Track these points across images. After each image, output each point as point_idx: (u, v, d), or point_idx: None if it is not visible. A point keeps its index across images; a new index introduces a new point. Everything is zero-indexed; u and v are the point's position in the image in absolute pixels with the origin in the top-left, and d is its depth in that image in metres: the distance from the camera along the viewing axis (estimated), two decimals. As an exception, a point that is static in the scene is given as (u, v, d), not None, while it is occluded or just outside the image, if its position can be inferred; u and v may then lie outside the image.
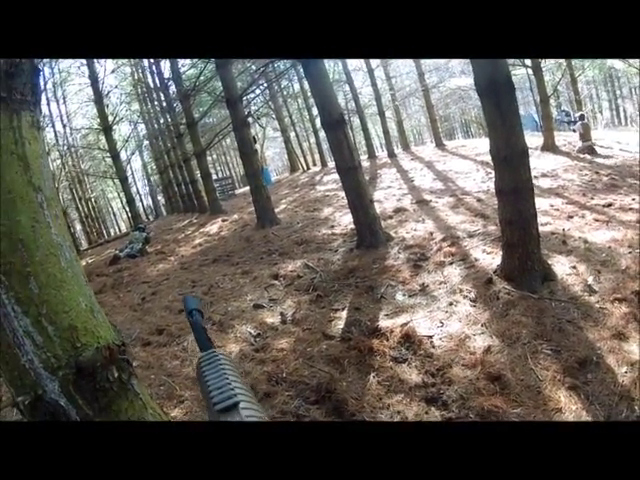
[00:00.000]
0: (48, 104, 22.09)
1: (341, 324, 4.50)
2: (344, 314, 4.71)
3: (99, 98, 15.01)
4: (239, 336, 4.57)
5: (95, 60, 15.08)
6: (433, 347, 3.81)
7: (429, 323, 4.21)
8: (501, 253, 5.03)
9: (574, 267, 4.85)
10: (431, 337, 3.94)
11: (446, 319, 4.24)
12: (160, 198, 35.98)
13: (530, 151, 13.53)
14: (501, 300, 4.37)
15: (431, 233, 6.75)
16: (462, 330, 3.99)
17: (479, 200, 8.87)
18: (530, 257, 4.56)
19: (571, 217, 6.82)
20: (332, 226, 8.83)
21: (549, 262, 4.87)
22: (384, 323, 4.27)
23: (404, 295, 4.94)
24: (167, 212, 30.57)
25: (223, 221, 13.17)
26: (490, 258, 5.33)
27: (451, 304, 4.49)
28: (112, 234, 33.64)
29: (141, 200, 39.61)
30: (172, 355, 4.38)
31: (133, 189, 35.45)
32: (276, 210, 11.26)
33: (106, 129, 14.68)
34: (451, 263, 5.46)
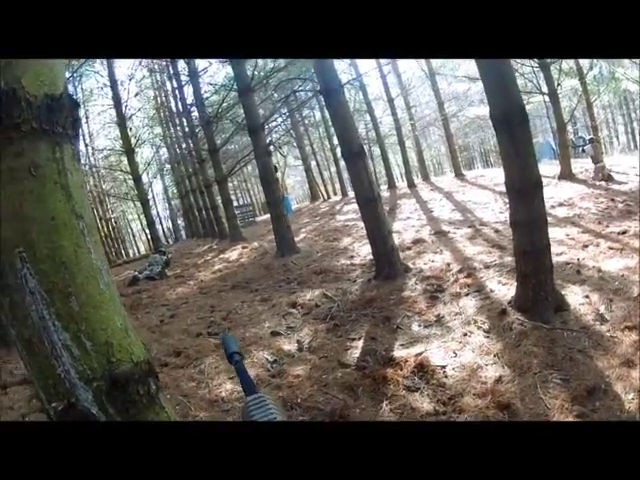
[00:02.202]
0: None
1: (357, 353, 4.61)
2: (360, 343, 4.82)
3: (122, 120, 15.33)
4: (256, 361, 4.67)
5: (119, 82, 15.52)
6: (446, 377, 3.91)
7: (443, 353, 4.31)
8: (516, 284, 5.14)
9: (587, 296, 4.91)
10: (444, 367, 4.04)
11: (459, 349, 4.34)
12: (180, 222, 36.51)
13: (547, 180, 13.62)
14: (514, 331, 4.46)
15: (448, 264, 6.86)
16: (475, 360, 4.08)
17: (496, 231, 8.96)
18: (543, 287, 4.65)
19: (586, 246, 6.88)
20: (351, 256, 8.97)
21: (563, 292, 4.95)
22: (399, 353, 4.39)
23: (420, 326, 5.05)
24: (187, 236, 30.98)
25: (243, 248, 13.36)
26: (505, 289, 5.42)
27: (465, 335, 4.59)
28: (131, 255, 34.07)
29: (161, 223, 39.96)
30: (189, 377, 4.50)
31: (153, 212, 35.98)
32: (296, 239, 11.43)
33: (128, 151, 14.97)
34: (467, 294, 5.56)
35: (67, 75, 18.29)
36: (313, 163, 29.32)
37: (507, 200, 12.05)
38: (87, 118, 24.27)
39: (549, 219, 5.20)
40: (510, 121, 4.48)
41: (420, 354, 4.21)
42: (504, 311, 4.80)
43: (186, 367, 4.75)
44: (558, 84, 13.74)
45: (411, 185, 20.67)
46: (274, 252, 10.78)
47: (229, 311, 6.61)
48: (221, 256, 13.33)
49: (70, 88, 20.12)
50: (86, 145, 23.55)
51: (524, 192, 4.58)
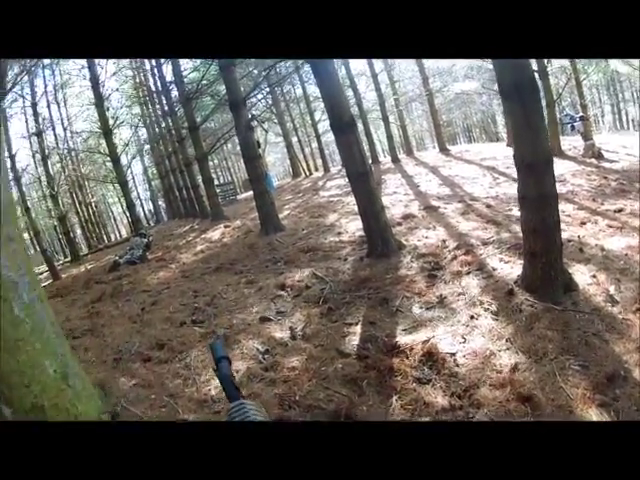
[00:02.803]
0: (49, 107, 21.93)
1: (356, 340, 4.27)
2: (358, 329, 4.48)
3: (100, 101, 14.73)
4: (246, 352, 4.32)
5: (96, 62, 14.93)
6: (457, 365, 3.59)
7: (451, 339, 3.98)
8: (520, 262, 4.86)
9: (594, 276, 4.69)
10: (454, 354, 3.72)
11: (468, 334, 4.02)
12: (161, 203, 35.92)
13: None
14: (524, 313, 4.17)
15: (444, 241, 6.53)
16: (486, 346, 3.77)
17: (489, 206, 8.70)
18: (553, 267, 4.36)
19: (584, 223, 6.69)
20: (339, 233, 8.61)
21: (569, 271, 4.68)
22: (403, 339, 4.05)
23: (421, 308, 4.72)
24: (168, 217, 30.51)
25: (225, 227, 13.00)
26: (508, 267, 5.14)
27: (472, 317, 4.27)
28: (112, 239, 33.44)
29: (142, 205, 39.52)
30: (174, 373, 4.15)
31: (134, 194, 35.33)
32: (280, 216, 11.10)
33: (106, 133, 14.39)
34: (468, 273, 5.24)
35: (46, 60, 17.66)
36: (294, 139, 28.79)
37: (496, 175, 12.14)
38: (65, 101, 23.63)
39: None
40: (521, 91, 4.14)
41: (427, 341, 3.86)
42: (511, 291, 4.50)
43: (171, 361, 4.39)
44: (548, 61, 13.50)
45: (395, 160, 20.43)
46: (258, 230, 10.40)
47: (213, 296, 6.22)
48: (203, 236, 12.93)
49: (48, 72, 19.40)
50: (64, 129, 22.71)
51: (535, 166, 4.25)
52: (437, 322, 4.38)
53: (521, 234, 5.91)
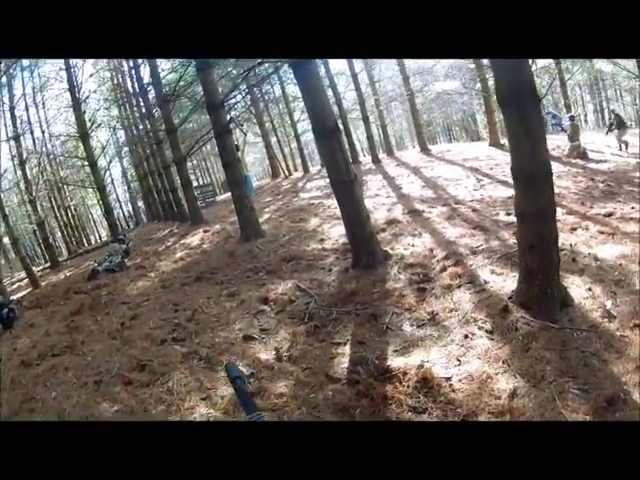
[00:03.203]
0: (27, 109, 21.33)
1: (345, 362, 4.05)
2: (347, 349, 4.27)
3: (77, 104, 14.42)
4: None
5: (73, 64, 14.62)
6: (453, 391, 3.38)
7: (445, 361, 3.77)
8: (512, 275, 4.71)
9: (589, 289, 4.55)
10: (450, 379, 3.51)
11: (463, 355, 3.82)
12: (140, 204, 35.25)
13: None
14: (520, 331, 3.99)
15: (431, 250, 6.34)
16: (482, 369, 3.57)
17: (474, 210, 8.53)
18: (550, 284, 4.18)
19: (574, 229, 6.53)
20: (322, 239, 8.40)
21: (564, 284, 4.53)
22: (395, 362, 3.82)
23: (412, 325, 4.51)
24: (148, 219, 29.96)
25: (205, 232, 12.77)
26: (501, 280, 4.96)
27: (466, 337, 4.07)
28: (93, 242, 32.70)
29: (121, 207, 39.02)
30: (157, 398, 3.93)
31: (112, 196, 34.95)
32: (260, 220, 10.87)
33: (83, 136, 14.04)
34: (459, 286, 5.05)
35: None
36: (273, 139, 28.46)
37: (480, 177, 12.05)
38: (44, 104, 23.16)
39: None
40: (521, 100, 3.94)
41: (422, 366, 3.64)
42: (506, 308, 4.32)
43: (152, 384, 4.17)
44: (533, 61, 13.47)
45: (375, 160, 20.31)
46: (238, 236, 10.14)
47: (194, 310, 6.00)
48: (182, 241, 12.69)
49: (26, 74, 18.89)
50: (42, 132, 22.32)
51: (534, 179, 4.06)
52: (430, 342, 4.17)
53: (510, 241, 5.79)
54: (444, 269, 5.53)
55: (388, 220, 8.69)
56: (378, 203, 11.08)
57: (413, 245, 6.76)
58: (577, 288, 4.59)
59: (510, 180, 9.91)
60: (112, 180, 35.59)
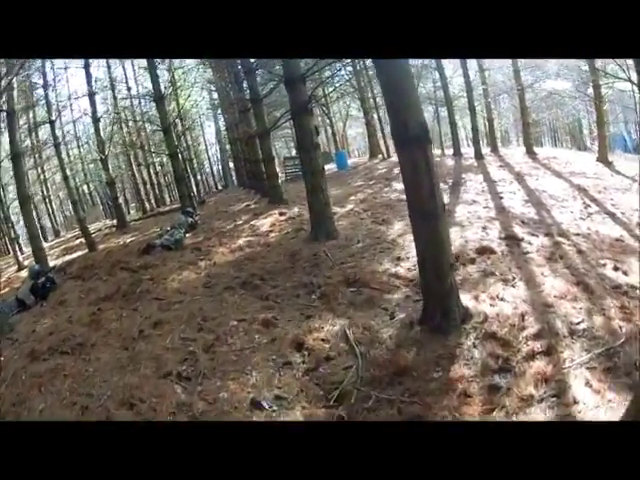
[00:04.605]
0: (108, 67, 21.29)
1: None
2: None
3: (151, 65, 14.06)
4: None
5: None
6: None
7: None
8: (610, 394, 3.27)
9: None
10: None
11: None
12: (232, 165, 35.25)
13: (627, 182, 10.98)
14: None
15: (522, 316, 4.62)
16: None
17: (580, 252, 6.75)
18: None
19: None
20: (398, 257, 6.93)
21: None
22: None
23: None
24: (238, 183, 29.56)
25: (280, 214, 11.80)
26: (595, 401, 3.29)
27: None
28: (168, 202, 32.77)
29: (210, 167, 39.14)
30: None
31: (204, 155, 34.97)
32: (339, 212, 9.75)
33: (158, 100, 13.48)
34: (540, 400, 3.42)
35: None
36: (375, 116, 26.55)
37: (587, 201, 10.14)
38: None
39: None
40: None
41: None
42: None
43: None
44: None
45: (478, 156, 18.45)
46: (308, 232, 8.95)
47: (217, 336, 5.07)
48: (253, 222, 11.77)
49: None
50: (129, 89, 22.43)
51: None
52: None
53: (615, 321, 4.50)
54: (531, 357, 3.92)
55: (481, 247, 6.96)
56: (474, 214, 9.44)
57: (502, 299, 5.07)
58: None
59: (620, 214, 7.64)
60: (205, 139, 36.13)
